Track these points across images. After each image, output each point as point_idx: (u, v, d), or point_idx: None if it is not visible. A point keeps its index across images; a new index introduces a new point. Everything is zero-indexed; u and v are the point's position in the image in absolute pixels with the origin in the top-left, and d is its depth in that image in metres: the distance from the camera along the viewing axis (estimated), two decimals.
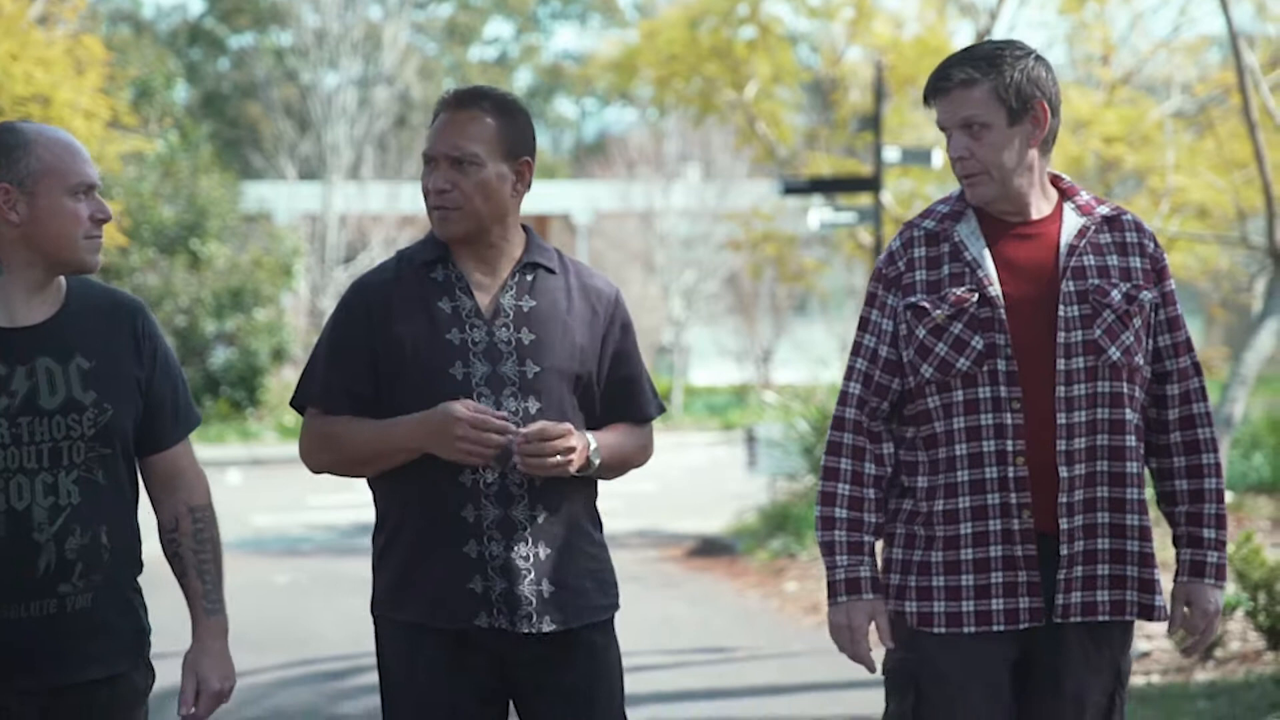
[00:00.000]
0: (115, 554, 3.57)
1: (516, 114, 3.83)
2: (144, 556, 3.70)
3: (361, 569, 12.86)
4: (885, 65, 16.93)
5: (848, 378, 3.83)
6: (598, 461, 3.77)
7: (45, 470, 3.50)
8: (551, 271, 3.87)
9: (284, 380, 32.18)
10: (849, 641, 3.76)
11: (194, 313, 29.49)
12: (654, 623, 10.19)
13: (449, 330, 3.78)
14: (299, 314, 33.69)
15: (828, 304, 31.37)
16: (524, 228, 3.91)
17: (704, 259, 33.56)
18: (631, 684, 4.19)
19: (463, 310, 3.80)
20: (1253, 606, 7.83)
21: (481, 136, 3.78)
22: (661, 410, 3.99)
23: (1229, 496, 11.89)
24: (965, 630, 3.69)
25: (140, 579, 3.69)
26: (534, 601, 3.72)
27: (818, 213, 15.12)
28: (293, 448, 26.72)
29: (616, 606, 3.89)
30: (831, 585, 3.78)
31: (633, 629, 4.67)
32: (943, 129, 3.78)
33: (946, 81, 3.73)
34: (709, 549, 14.24)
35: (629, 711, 3.91)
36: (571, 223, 39.36)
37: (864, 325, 3.83)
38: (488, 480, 3.72)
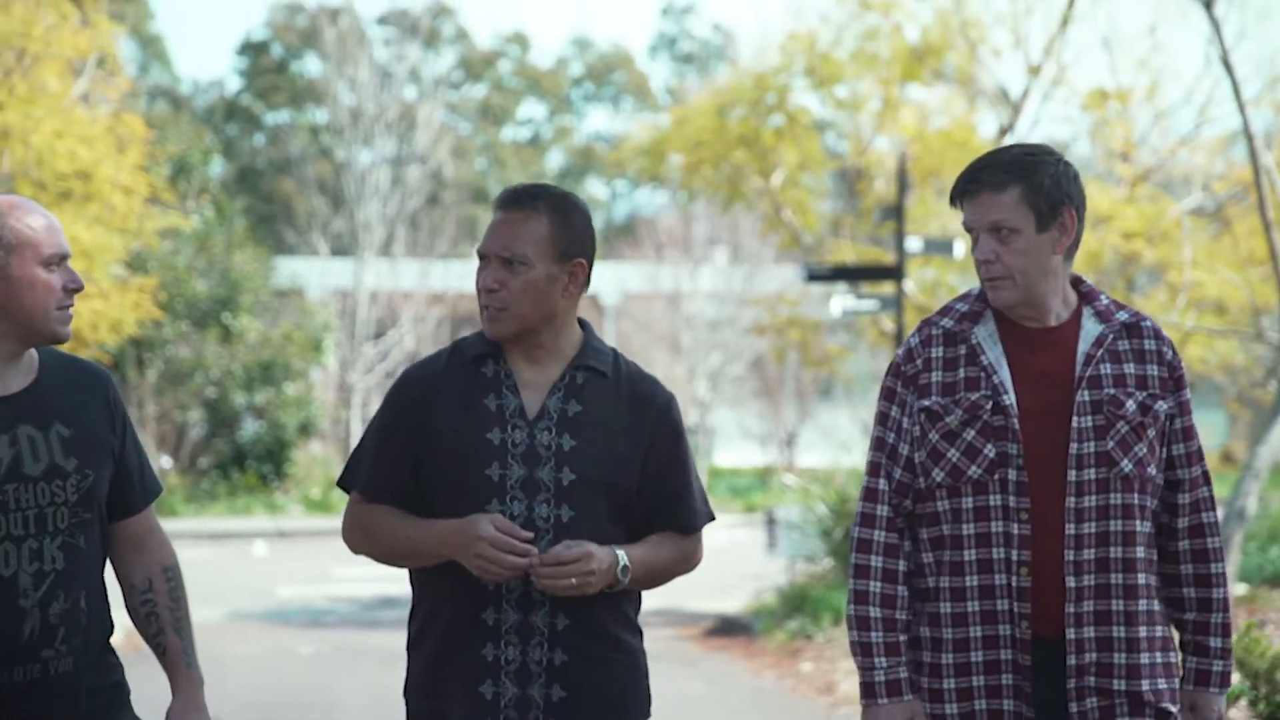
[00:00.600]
0: (93, 617, 3.60)
1: (572, 214, 3.79)
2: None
3: (385, 640, 13.15)
4: (909, 156, 17.24)
5: (873, 474, 3.80)
6: (625, 579, 3.72)
7: (31, 537, 3.51)
8: (604, 375, 3.81)
9: (311, 454, 32.46)
10: None
11: (224, 385, 29.81)
12: (670, 701, 10.33)
13: (490, 429, 3.74)
14: (328, 389, 34.00)
15: (852, 389, 31.58)
16: (582, 325, 3.87)
17: (730, 342, 33.85)
18: None
19: (507, 409, 3.76)
20: (1254, 695, 8.00)
21: (533, 237, 3.74)
22: (709, 520, 3.89)
23: (1243, 589, 12.04)
24: None
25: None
26: (543, 705, 3.70)
27: (840, 300, 15.39)
28: (318, 521, 27.12)
29: (646, 715, 3.84)
30: (869, 687, 3.73)
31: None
32: (969, 230, 3.75)
33: (976, 184, 3.72)
34: (727, 628, 14.41)
35: None
36: (600, 303, 39.68)
37: (883, 420, 3.81)
38: (509, 585, 3.70)
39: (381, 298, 34.30)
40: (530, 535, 3.66)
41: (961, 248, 16.22)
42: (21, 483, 3.51)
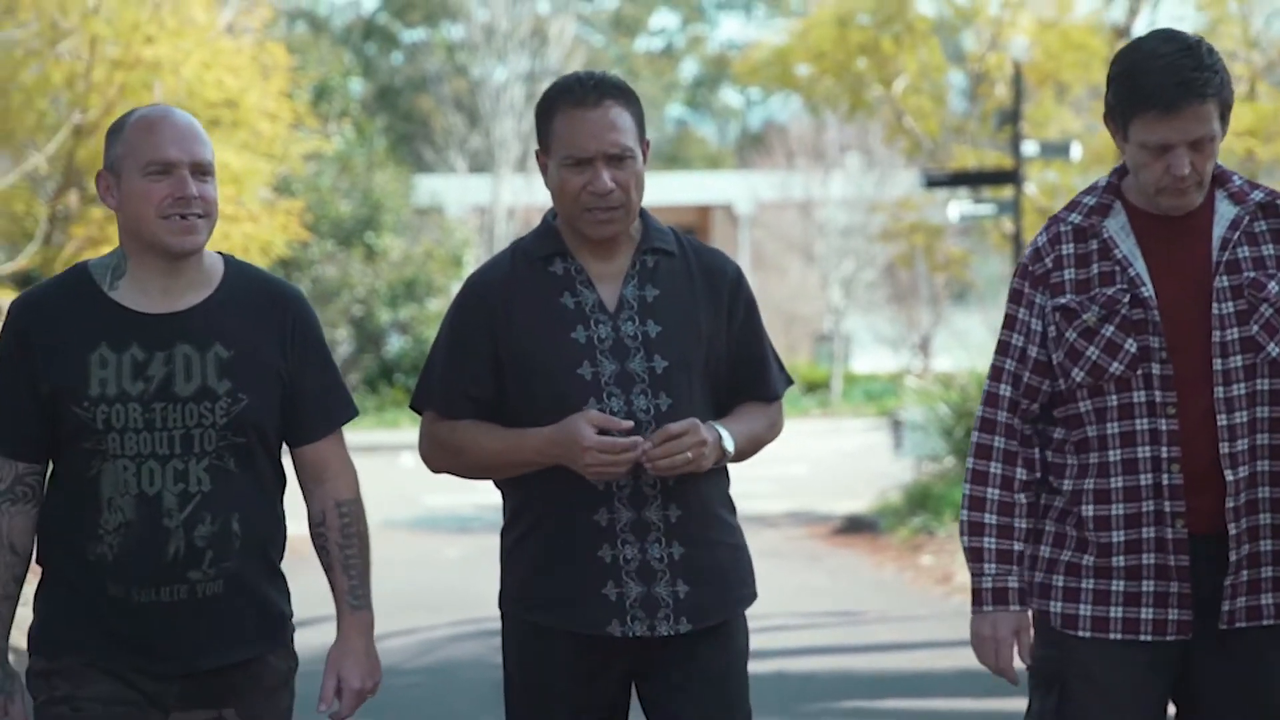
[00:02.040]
0: (248, 542, 3.51)
1: (634, 97, 3.71)
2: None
3: None
4: (1028, 60, 17.48)
5: (996, 378, 3.67)
6: (731, 450, 3.64)
7: (176, 457, 3.45)
8: (671, 254, 3.72)
9: None
10: (992, 653, 3.65)
11: (370, 303, 30.71)
12: (792, 590, 10.93)
13: (574, 328, 3.63)
14: None
15: (984, 294, 31.77)
16: (639, 211, 3.76)
17: (862, 248, 34.12)
18: (761, 641, 4.40)
19: (586, 305, 3.65)
20: None
21: (626, 127, 3.63)
22: (789, 384, 3.85)
23: None
24: (1111, 636, 3.57)
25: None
26: (671, 603, 3.62)
27: (957, 204, 15.75)
28: None
29: (754, 596, 3.77)
30: (977, 593, 3.65)
31: (770, 596, 5.17)
32: (1163, 146, 3.50)
33: (1185, 98, 3.45)
34: (853, 527, 14.95)
35: (755, 663, 3.93)
36: (734, 213, 40.07)
37: (1010, 324, 3.66)
38: (620, 483, 3.59)
39: (518, 213, 34.92)
40: (630, 424, 3.56)
41: (1079, 150, 16.51)
42: (170, 402, 3.45)
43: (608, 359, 3.62)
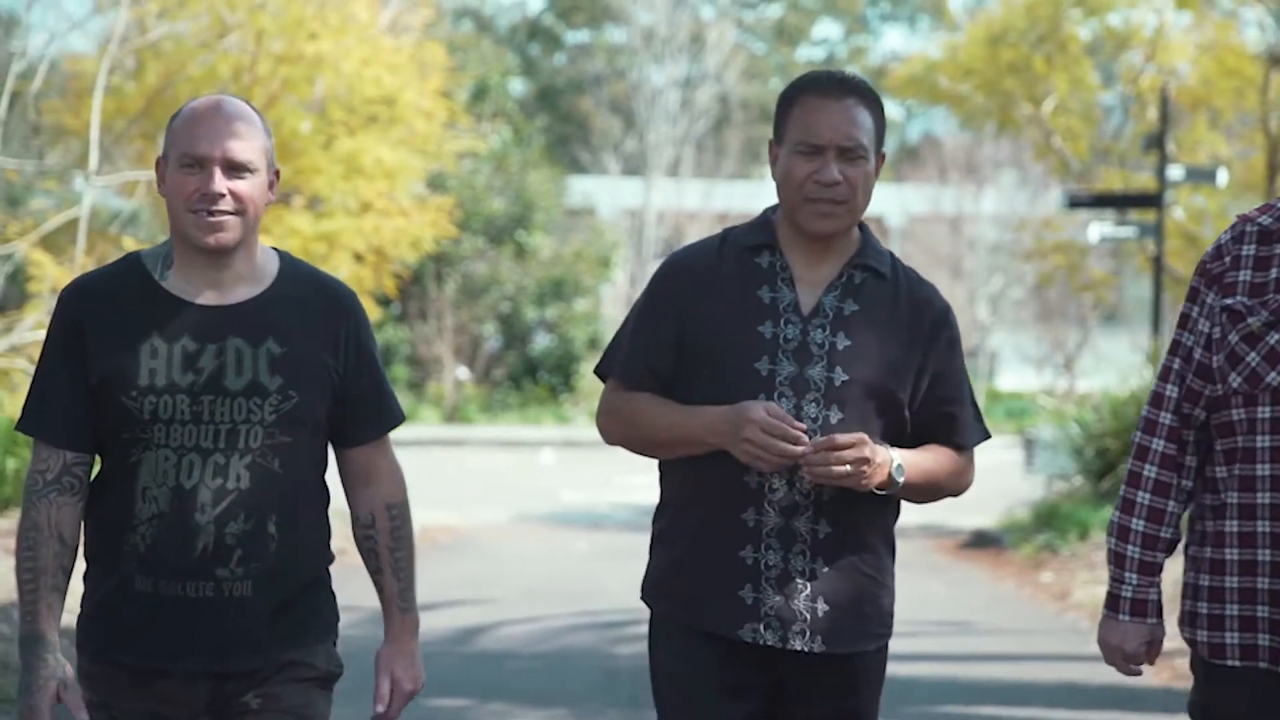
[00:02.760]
0: (285, 544, 3.45)
1: (879, 104, 3.63)
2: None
3: None
4: (1177, 85, 17.45)
5: (1164, 378, 3.53)
6: (900, 480, 3.52)
7: (219, 451, 3.40)
8: (882, 276, 3.62)
9: None
10: (1119, 662, 3.59)
11: (517, 300, 31.16)
12: (908, 598, 10.97)
13: (762, 322, 3.57)
14: (616, 305, 35.16)
15: (1132, 315, 31.56)
16: (860, 225, 3.68)
17: (1011, 265, 34.01)
18: None
19: (781, 303, 3.58)
20: None
21: (865, 126, 3.55)
22: (985, 437, 3.70)
23: None
24: (1260, 665, 3.41)
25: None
26: (808, 618, 3.53)
27: (1098, 226, 15.78)
28: None
29: (889, 634, 3.67)
30: (1114, 599, 3.55)
31: None
32: None
33: None
34: (979, 542, 15.04)
35: None
36: (884, 225, 40.09)
37: (1183, 322, 3.53)
38: (773, 485, 3.52)
39: (668, 217, 35.23)
40: (804, 425, 3.46)
41: (1225, 176, 16.46)
42: (219, 395, 3.39)
43: (788, 360, 3.55)
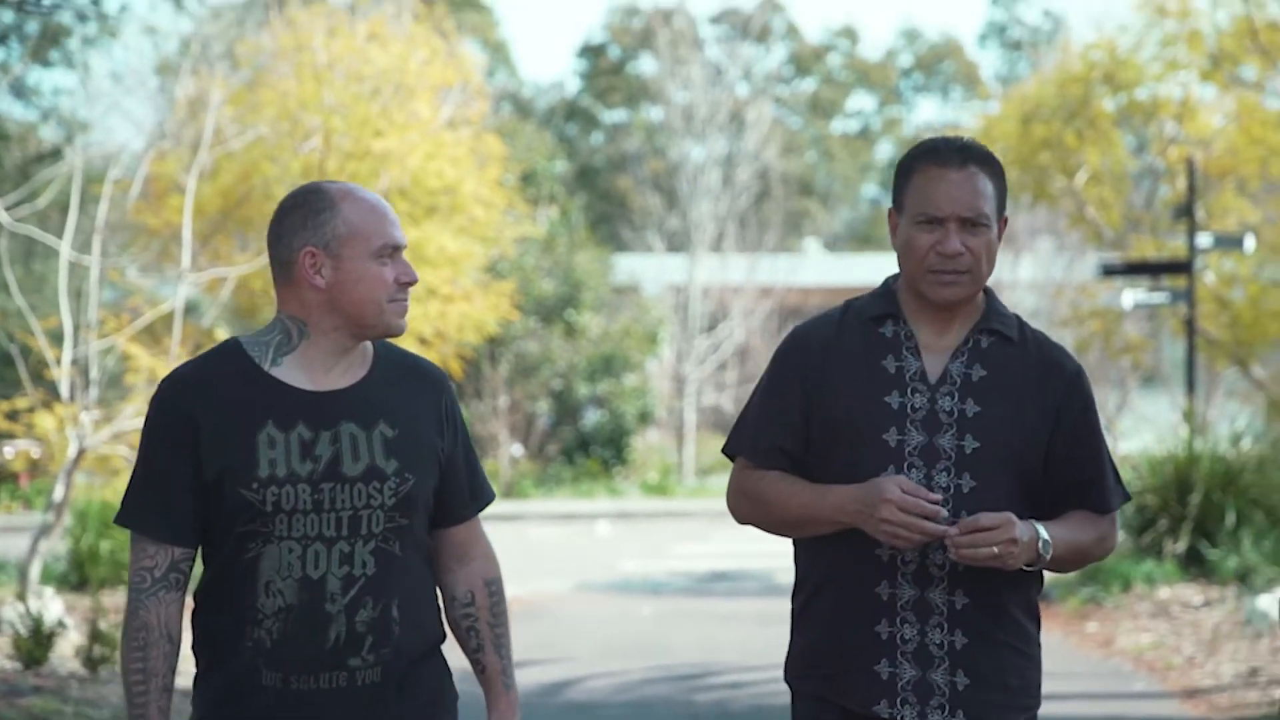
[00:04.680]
0: (407, 626, 3.41)
1: (1000, 169, 3.60)
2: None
3: (717, 605, 14.87)
4: (1207, 155, 18.20)
5: None
6: (1047, 556, 3.46)
7: (343, 539, 3.35)
8: (1009, 340, 3.58)
9: (648, 441, 34.43)
10: None
11: (569, 377, 31.97)
12: None
13: (889, 392, 3.54)
14: (663, 379, 35.86)
15: (1170, 378, 32.11)
16: (984, 289, 3.63)
17: (1050, 331, 34.55)
18: None
19: (907, 372, 3.56)
20: None
21: (986, 194, 3.50)
22: (1126, 499, 3.66)
23: None
24: None
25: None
26: (946, 693, 3.49)
27: (1132, 293, 16.49)
28: (656, 503, 29.01)
29: (1037, 705, 3.61)
30: None
31: None
32: None
33: None
34: None
35: None
36: None
37: None
38: (905, 558, 3.49)
39: (713, 292, 35.90)
40: (939, 498, 3.43)
41: (1252, 241, 17.18)
42: (338, 482, 3.35)
43: (917, 430, 3.52)
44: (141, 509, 3.38)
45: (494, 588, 3.57)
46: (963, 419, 3.50)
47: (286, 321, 3.42)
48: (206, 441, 3.33)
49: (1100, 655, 11.63)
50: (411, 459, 3.42)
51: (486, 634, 3.56)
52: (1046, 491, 3.56)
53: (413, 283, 3.44)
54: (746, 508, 3.67)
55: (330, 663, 3.35)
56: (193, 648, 3.45)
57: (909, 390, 3.53)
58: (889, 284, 3.65)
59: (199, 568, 3.39)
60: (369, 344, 3.48)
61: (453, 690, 3.54)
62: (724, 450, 3.73)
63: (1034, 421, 3.53)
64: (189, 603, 3.41)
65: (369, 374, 3.45)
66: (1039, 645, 3.61)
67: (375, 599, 3.37)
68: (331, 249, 3.37)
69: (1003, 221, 3.56)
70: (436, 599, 3.54)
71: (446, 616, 3.57)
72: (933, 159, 3.53)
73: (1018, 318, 3.66)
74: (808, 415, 3.58)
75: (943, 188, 3.50)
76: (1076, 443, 3.56)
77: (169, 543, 3.36)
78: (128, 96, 27.53)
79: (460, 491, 3.54)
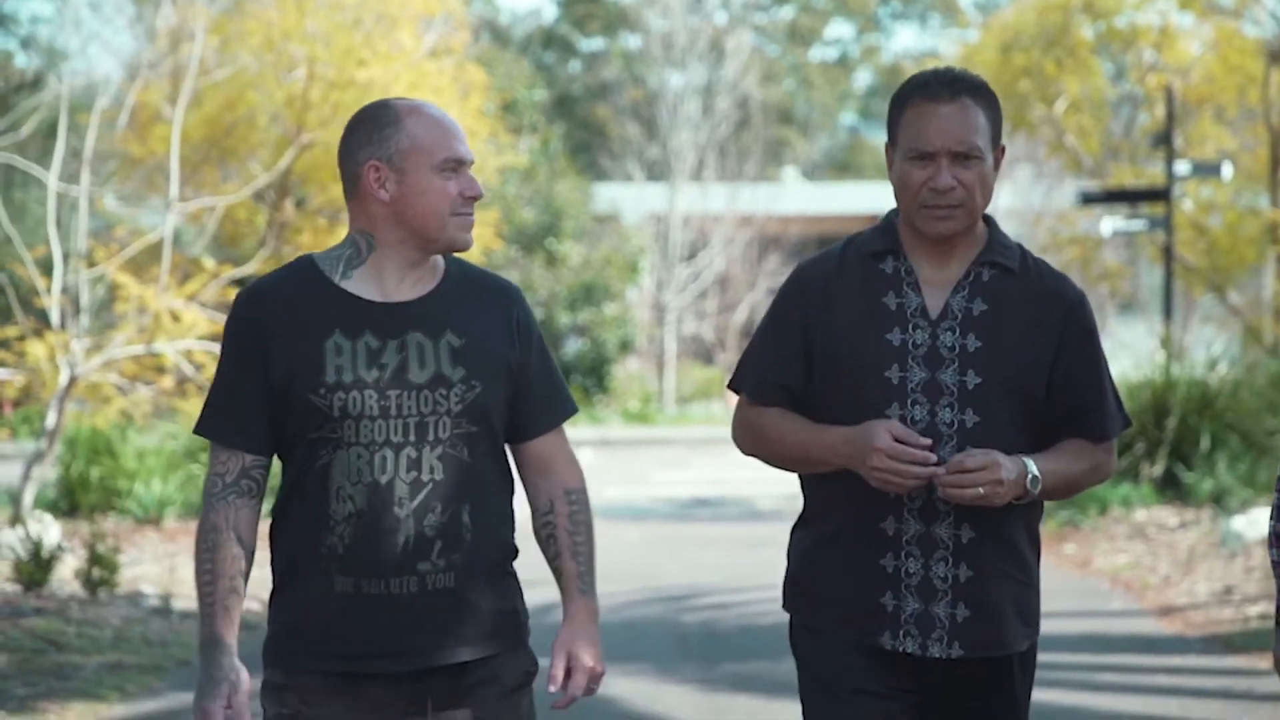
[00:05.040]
0: (478, 534, 3.43)
1: (994, 99, 3.57)
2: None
3: (701, 530, 15.09)
4: (1185, 84, 18.34)
5: None
6: (1036, 490, 3.45)
7: (410, 445, 3.37)
8: (1010, 271, 3.57)
9: (629, 370, 34.63)
10: None
11: (550, 306, 32.12)
12: None
13: (890, 329, 3.54)
14: (644, 308, 36.02)
15: (1148, 304, 32.37)
16: (986, 219, 3.62)
17: None
18: None
19: (908, 308, 3.55)
20: None
21: (978, 127, 3.49)
22: (1126, 425, 3.64)
23: None
24: None
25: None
26: (947, 624, 3.51)
27: (1110, 221, 16.66)
28: (637, 430, 29.18)
29: (1035, 635, 3.64)
30: None
31: None
32: None
33: None
34: None
35: None
36: None
37: None
38: (912, 495, 3.49)
39: (693, 221, 36.01)
40: (929, 441, 3.44)
41: (1229, 169, 17.36)
42: (405, 389, 3.38)
43: (919, 366, 3.52)
44: (214, 417, 3.45)
45: (574, 496, 3.57)
46: (964, 354, 3.50)
47: (356, 236, 3.47)
48: (275, 348, 3.39)
49: (1078, 575, 11.86)
50: (479, 367, 3.44)
51: (564, 540, 3.55)
52: (1048, 418, 3.56)
53: (477, 197, 3.47)
54: (750, 442, 3.70)
55: (400, 567, 3.36)
56: (271, 564, 3.47)
57: (910, 326, 3.53)
58: (890, 219, 3.65)
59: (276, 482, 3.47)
60: (440, 258, 3.51)
61: (525, 612, 3.55)
62: (729, 385, 3.74)
63: (1035, 352, 3.53)
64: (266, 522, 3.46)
65: (438, 286, 3.48)
66: (1038, 572, 3.63)
67: (444, 504, 3.39)
68: (395, 162, 3.40)
69: (999, 151, 3.56)
70: (511, 510, 3.55)
71: (533, 529, 3.59)
72: (923, 93, 3.50)
73: (1020, 247, 3.64)
74: (809, 352, 3.59)
75: (934, 122, 3.48)
76: (1075, 370, 3.55)
77: (240, 449, 3.42)
78: (106, 25, 27.45)
79: (535, 403, 3.55)
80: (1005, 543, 3.52)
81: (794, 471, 3.65)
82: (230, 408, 3.43)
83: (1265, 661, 8.47)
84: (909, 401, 3.49)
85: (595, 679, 3.52)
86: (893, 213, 3.66)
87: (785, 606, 3.69)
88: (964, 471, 3.38)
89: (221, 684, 3.32)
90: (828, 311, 3.57)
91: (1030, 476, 3.42)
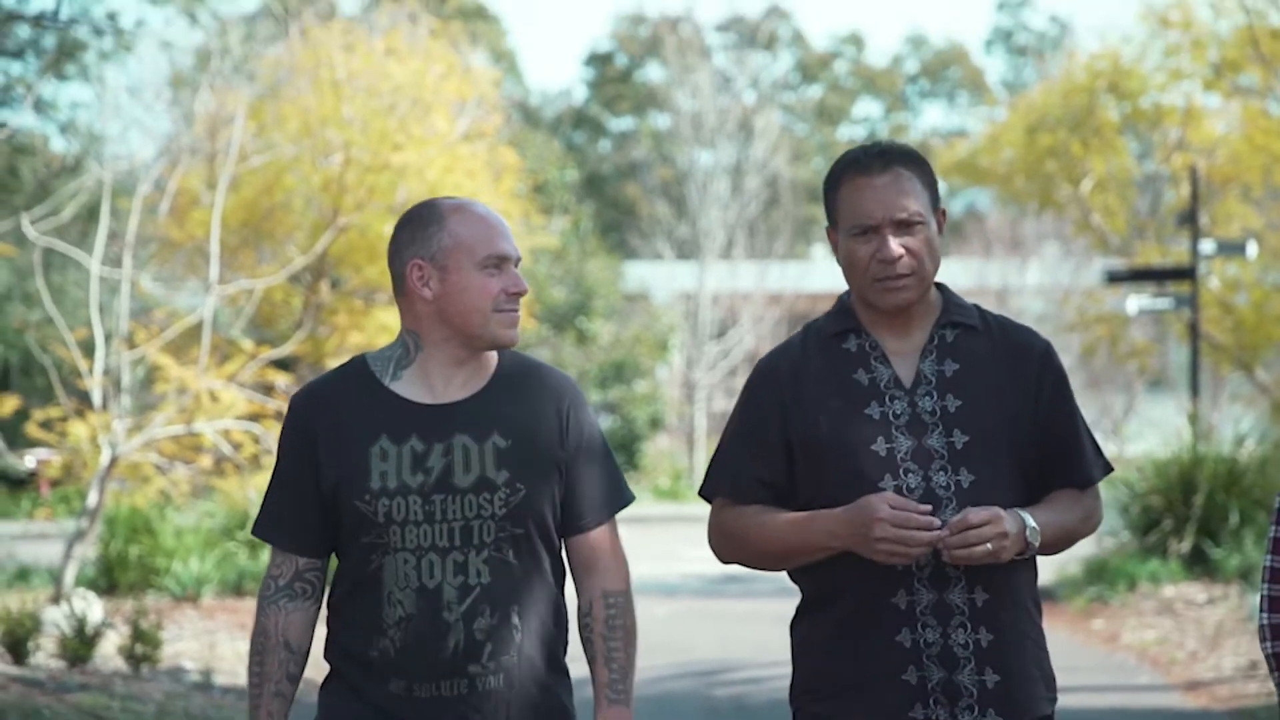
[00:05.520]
0: (528, 635, 3.41)
1: (925, 165, 3.58)
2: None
3: (731, 605, 15.18)
4: (1211, 163, 18.54)
5: None
6: (1036, 543, 3.41)
7: (456, 549, 3.37)
8: (973, 329, 3.55)
9: (659, 447, 34.80)
10: None
11: (581, 385, 32.34)
12: None
13: (867, 404, 3.48)
14: (674, 385, 36.23)
15: (1176, 381, 32.47)
16: (938, 286, 3.61)
17: (1057, 336, 34.94)
18: None
19: (880, 381, 3.50)
20: None
21: (915, 193, 3.48)
22: (1107, 470, 3.61)
23: None
24: None
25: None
26: (975, 693, 3.42)
27: (1136, 299, 16.83)
28: (667, 507, 29.33)
29: (1056, 696, 3.60)
30: None
31: None
32: None
33: None
34: None
35: None
36: None
37: None
38: (920, 563, 3.41)
39: (722, 299, 36.25)
40: (928, 507, 3.37)
41: (1254, 248, 17.53)
42: (450, 493, 3.38)
43: (903, 435, 3.47)
44: (271, 519, 3.49)
45: (612, 600, 3.51)
46: (946, 415, 3.47)
47: (405, 336, 3.48)
48: (324, 453, 3.41)
49: (1105, 651, 11.97)
50: (524, 469, 3.42)
51: (599, 646, 3.50)
52: (1035, 470, 3.53)
53: (522, 293, 3.45)
54: (729, 548, 3.61)
55: (451, 670, 3.37)
56: (325, 655, 3.49)
57: (886, 398, 3.50)
58: (844, 300, 3.63)
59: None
60: (493, 355, 3.50)
61: (570, 705, 3.52)
62: (700, 493, 3.65)
63: (1014, 404, 3.50)
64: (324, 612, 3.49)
65: (488, 385, 3.46)
66: (1044, 633, 3.59)
67: (493, 607, 3.39)
68: (438, 260, 3.42)
69: (940, 214, 3.55)
70: (563, 609, 3.53)
71: (577, 626, 3.55)
72: (855, 168, 3.50)
73: (977, 306, 3.63)
74: (789, 442, 3.53)
75: (869, 194, 3.47)
76: (1055, 417, 3.53)
77: (294, 552, 3.45)
78: (144, 110, 27.91)
79: (582, 499, 3.51)
80: (1018, 604, 3.48)
81: (782, 569, 3.56)
82: (285, 510, 3.47)
83: None
84: (901, 470, 3.45)
85: None
86: (845, 294, 3.64)
87: (793, 702, 3.58)
88: (968, 529, 3.33)
89: None
90: (801, 397, 3.52)
91: (1030, 529, 3.38)
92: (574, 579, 3.55)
